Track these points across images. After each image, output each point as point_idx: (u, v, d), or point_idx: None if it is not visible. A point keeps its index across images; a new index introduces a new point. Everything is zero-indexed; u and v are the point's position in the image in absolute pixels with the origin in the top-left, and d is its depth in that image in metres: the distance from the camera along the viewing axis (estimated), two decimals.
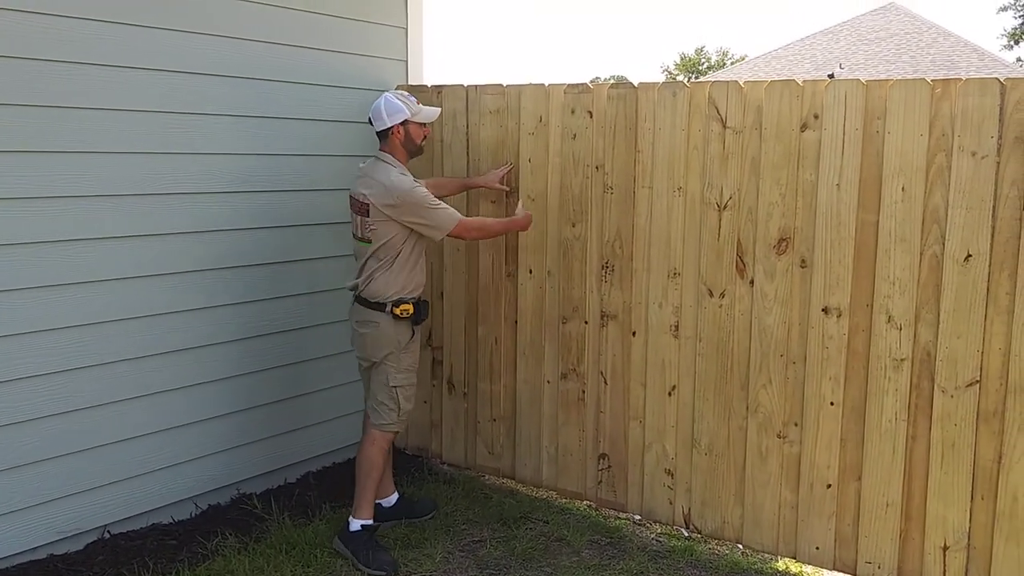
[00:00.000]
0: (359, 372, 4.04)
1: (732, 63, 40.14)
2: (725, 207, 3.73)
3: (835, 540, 3.63)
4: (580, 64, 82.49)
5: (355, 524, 3.79)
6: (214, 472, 4.17)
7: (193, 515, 4.09)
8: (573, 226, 4.15)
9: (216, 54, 3.93)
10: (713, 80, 3.93)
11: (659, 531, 4.12)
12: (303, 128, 4.32)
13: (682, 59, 49.57)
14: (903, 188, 3.34)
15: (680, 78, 40.65)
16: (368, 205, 3.68)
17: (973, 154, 3.21)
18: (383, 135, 3.79)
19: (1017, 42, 35.72)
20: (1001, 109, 3.15)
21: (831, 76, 15.47)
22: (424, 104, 3.89)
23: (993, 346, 3.24)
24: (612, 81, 4.38)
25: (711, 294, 3.80)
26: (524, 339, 4.37)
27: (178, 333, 3.94)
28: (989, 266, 3.22)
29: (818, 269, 3.55)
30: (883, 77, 3.66)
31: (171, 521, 4.01)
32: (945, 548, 3.40)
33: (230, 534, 3.89)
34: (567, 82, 4.11)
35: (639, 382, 4.05)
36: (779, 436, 3.71)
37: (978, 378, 3.28)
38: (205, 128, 3.93)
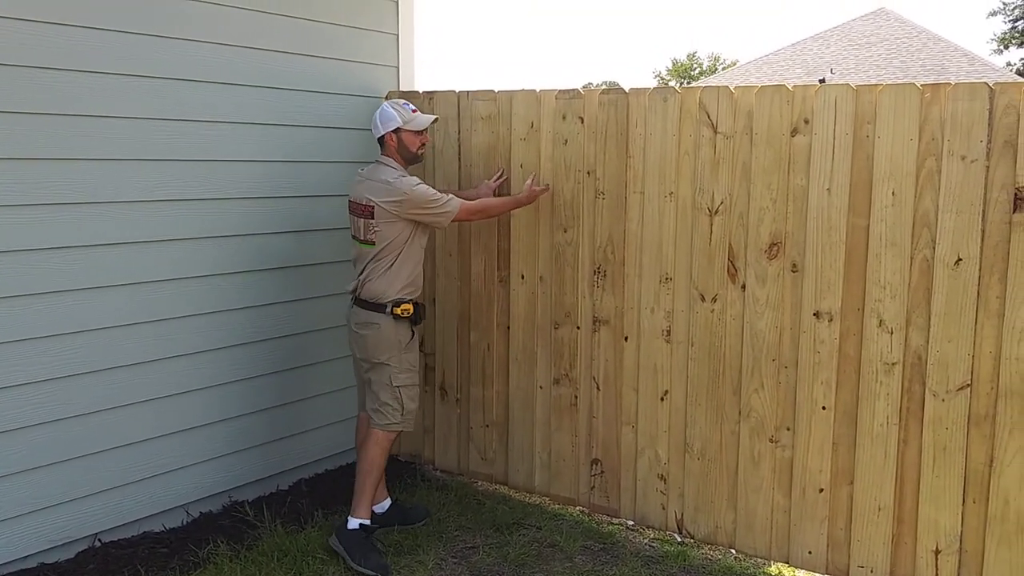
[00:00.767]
0: (355, 375, 4.05)
1: (723, 68, 40.27)
2: (716, 212, 3.73)
3: (828, 544, 3.63)
4: (572, 70, 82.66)
5: (353, 522, 3.80)
6: (206, 480, 4.15)
7: (185, 523, 4.07)
8: (565, 231, 4.15)
9: (208, 61, 3.92)
10: (704, 85, 3.94)
11: (652, 536, 4.12)
12: (294, 134, 4.32)
13: (674, 64, 49.67)
14: (893, 192, 3.35)
15: (672, 84, 40.79)
16: (372, 207, 3.74)
17: (963, 158, 3.22)
18: (380, 142, 3.90)
19: (1006, 46, 35.92)
20: (990, 113, 3.16)
21: (822, 81, 15.53)
22: (422, 110, 3.91)
23: (984, 350, 3.25)
24: (604, 87, 4.39)
25: (703, 299, 3.81)
26: (516, 345, 4.37)
27: (168, 341, 3.92)
28: (979, 270, 3.23)
29: (809, 273, 3.55)
30: (873, 82, 3.67)
31: (162, 529, 4.00)
32: (937, 552, 3.40)
33: (222, 542, 3.87)
34: (559, 88, 4.11)
35: (631, 387, 4.05)
36: (771, 440, 3.71)
37: (969, 382, 3.28)
38: (198, 135, 3.92)
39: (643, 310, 3.97)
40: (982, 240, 3.22)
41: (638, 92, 3.89)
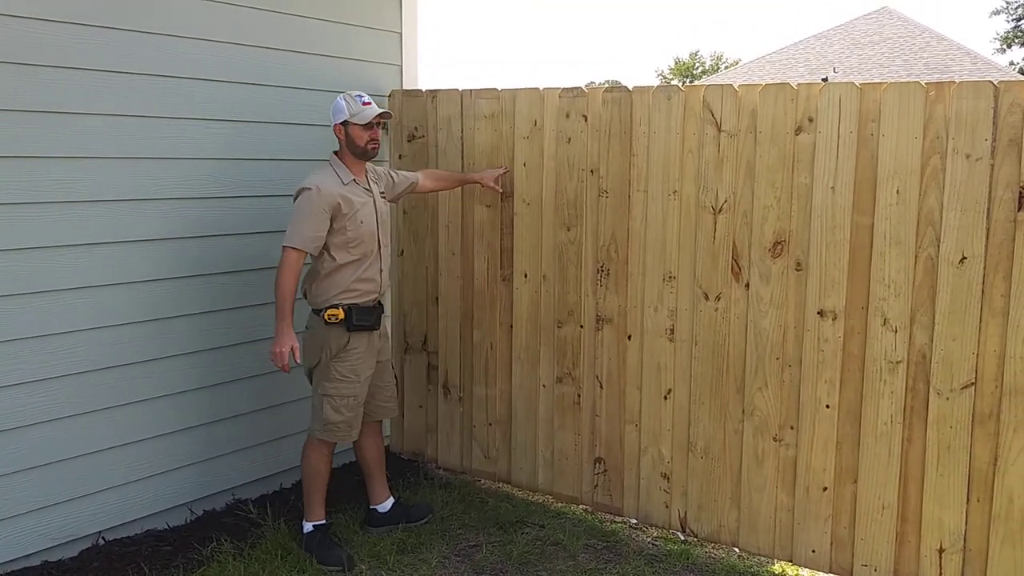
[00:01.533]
0: None
1: (726, 67, 40.24)
2: (720, 210, 3.73)
3: (831, 543, 3.63)
4: (575, 68, 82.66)
5: (307, 527, 3.83)
6: (209, 478, 4.15)
7: (188, 521, 4.07)
8: (568, 230, 4.15)
9: (208, 58, 3.92)
10: (708, 84, 3.93)
11: (655, 535, 4.12)
12: (296, 133, 4.31)
13: (677, 63, 49.67)
14: (898, 191, 3.35)
15: (675, 82, 40.74)
16: None
17: (967, 157, 3.21)
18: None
19: (1010, 45, 35.91)
20: (995, 112, 3.15)
21: (825, 80, 15.52)
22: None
23: (988, 348, 3.24)
24: (607, 85, 4.38)
25: (707, 297, 3.80)
26: (519, 343, 4.37)
27: (173, 338, 3.92)
28: (984, 268, 3.22)
29: (813, 272, 3.55)
30: (877, 81, 3.67)
31: (166, 527, 4.00)
32: (941, 550, 3.39)
33: (225, 540, 3.87)
34: (562, 86, 4.11)
35: (635, 386, 4.04)
36: (775, 439, 3.71)
37: (973, 380, 3.28)
38: (195, 133, 3.92)
39: (647, 309, 3.96)
40: (986, 238, 3.21)
41: (642, 90, 3.89)
